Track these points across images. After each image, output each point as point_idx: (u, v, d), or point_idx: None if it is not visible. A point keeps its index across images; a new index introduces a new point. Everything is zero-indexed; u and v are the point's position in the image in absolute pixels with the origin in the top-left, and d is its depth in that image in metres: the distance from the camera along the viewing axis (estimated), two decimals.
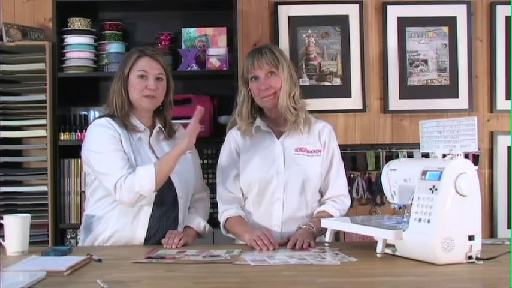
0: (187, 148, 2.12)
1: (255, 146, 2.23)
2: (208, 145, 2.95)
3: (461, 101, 3.25)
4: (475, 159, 3.11)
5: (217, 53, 3.03)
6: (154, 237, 2.14)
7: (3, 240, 1.92)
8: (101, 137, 2.13)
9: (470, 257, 1.67)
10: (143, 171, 2.05)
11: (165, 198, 2.15)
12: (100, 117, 2.23)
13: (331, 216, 2.15)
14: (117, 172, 2.06)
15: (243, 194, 2.23)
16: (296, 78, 2.24)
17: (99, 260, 1.77)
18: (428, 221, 1.67)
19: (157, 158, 2.18)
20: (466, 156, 1.79)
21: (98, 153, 2.12)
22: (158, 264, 1.74)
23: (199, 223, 2.24)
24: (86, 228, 2.20)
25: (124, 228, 2.12)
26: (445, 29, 3.26)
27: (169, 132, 2.27)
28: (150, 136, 2.22)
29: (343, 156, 2.32)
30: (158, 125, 2.24)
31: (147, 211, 2.12)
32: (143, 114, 2.22)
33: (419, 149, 1.95)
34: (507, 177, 3.24)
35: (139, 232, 2.12)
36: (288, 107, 2.17)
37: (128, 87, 2.18)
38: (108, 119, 2.17)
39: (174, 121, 2.34)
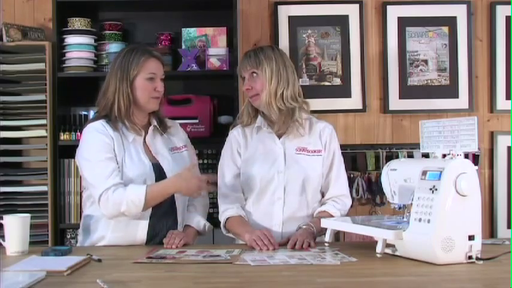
0: (187, 193, 2.12)
1: (256, 145, 2.24)
2: (208, 145, 2.94)
3: (461, 101, 3.24)
4: (475, 159, 3.11)
5: (217, 53, 3.03)
6: (155, 238, 2.14)
7: (3, 240, 1.92)
8: (93, 143, 2.12)
9: (470, 257, 1.67)
10: (133, 194, 2.02)
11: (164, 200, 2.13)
12: (94, 119, 2.20)
13: (332, 216, 2.15)
14: (103, 184, 2.04)
15: (243, 194, 2.23)
16: (287, 76, 2.19)
17: (99, 260, 1.77)
18: (428, 221, 1.67)
19: (152, 157, 2.17)
20: (466, 156, 1.79)
21: (88, 161, 2.11)
22: (158, 264, 1.74)
23: (199, 221, 2.24)
24: (85, 229, 2.19)
25: (124, 233, 2.11)
26: (445, 29, 3.26)
27: (163, 128, 2.27)
28: (146, 135, 2.20)
29: (343, 156, 2.32)
30: (154, 123, 2.23)
31: (146, 214, 2.11)
32: (139, 115, 2.20)
33: (419, 149, 1.95)
34: (507, 177, 3.24)
35: (139, 235, 2.12)
36: (270, 106, 2.17)
37: (134, 88, 2.15)
38: (102, 122, 2.15)
39: (173, 120, 2.36)
